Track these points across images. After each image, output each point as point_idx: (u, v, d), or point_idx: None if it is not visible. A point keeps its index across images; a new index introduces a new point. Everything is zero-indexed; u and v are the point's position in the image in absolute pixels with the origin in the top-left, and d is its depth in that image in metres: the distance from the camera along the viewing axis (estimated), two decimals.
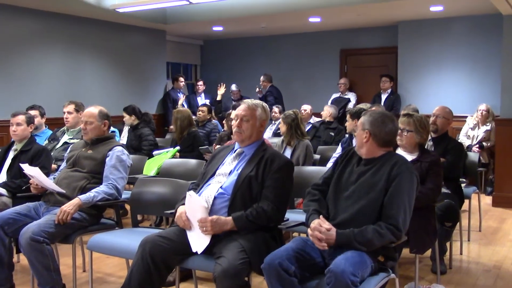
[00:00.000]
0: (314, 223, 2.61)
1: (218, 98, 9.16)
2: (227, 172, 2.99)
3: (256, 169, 2.91)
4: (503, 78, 6.54)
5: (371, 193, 2.64)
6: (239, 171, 2.95)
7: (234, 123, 3.09)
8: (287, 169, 2.96)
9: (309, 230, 2.62)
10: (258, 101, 3.12)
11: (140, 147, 6.24)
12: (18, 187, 4.03)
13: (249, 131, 3.03)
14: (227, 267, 2.55)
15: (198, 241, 2.80)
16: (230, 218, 2.79)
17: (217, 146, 5.55)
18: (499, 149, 6.63)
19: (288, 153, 5.20)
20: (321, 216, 2.67)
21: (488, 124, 7.24)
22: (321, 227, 2.57)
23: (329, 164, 4.95)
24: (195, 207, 2.83)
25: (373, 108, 5.70)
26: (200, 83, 9.72)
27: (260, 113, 3.06)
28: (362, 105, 5.70)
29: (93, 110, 3.78)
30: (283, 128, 5.36)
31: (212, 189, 2.93)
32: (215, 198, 2.89)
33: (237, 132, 3.06)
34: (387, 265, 2.66)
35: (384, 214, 2.59)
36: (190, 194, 2.86)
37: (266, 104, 3.15)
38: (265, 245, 2.78)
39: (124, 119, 6.64)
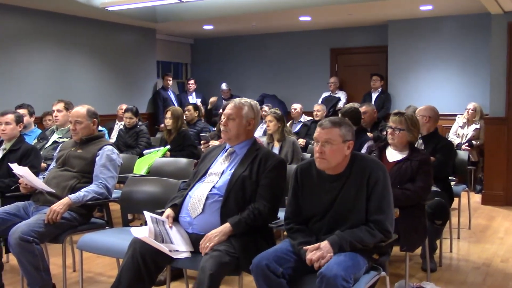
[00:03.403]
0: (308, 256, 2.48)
1: (209, 106, 9.12)
2: (220, 171, 2.98)
3: (249, 168, 2.90)
4: (492, 77, 6.59)
5: (356, 206, 2.59)
6: (232, 171, 2.94)
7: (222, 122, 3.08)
8: (281, 167, 2.95)
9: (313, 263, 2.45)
10: (246, 100, 3.08)
11: (137, 144, 6.23)
12: (7, 186, 3.99)
13: (235, 130, 3.00)
14: (215, 256, 2.57)
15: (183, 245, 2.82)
16: (228, 224, 2.76)
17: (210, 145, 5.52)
18: (488, 148, 6.68)
19: (275, 152, 5.19)
20: (302, 249, 2.54)
21: (477, 122, 7.29)
22: (312, 253, 2.46)
23: None
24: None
25: (363, 108, 5.74)
26: (191, 82, 9.71)
27: (247, 111, 3.02)
28: (354, 104, 5.69)
29: (81, 109, 3.74)
30: (273, 124, 5.28)
31: (204, 188, 2.92)
32: (207, 197, 2.87)
33: (223, 131, 3.04)
34: (379, 262, 2.66)
35: (370, 219, 2.56)
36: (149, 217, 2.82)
37: (255, 102, 3.11)
38: (256, 244, 2.77)
39: (126, 120, 6.46)
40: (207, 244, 2.68)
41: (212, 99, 9.25)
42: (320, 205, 2.65)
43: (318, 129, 2.66)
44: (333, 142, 2.59)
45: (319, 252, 2.45)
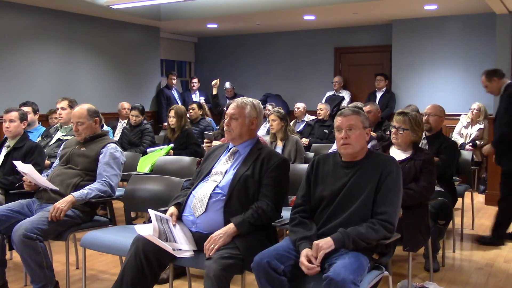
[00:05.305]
0: (303, 255, 2.49)
1: (214, 92, 8.52)
2: (223, 171, 2.98)
3: (252, 167, 2.91)
4: None
5: (363, 193, 2.62)
6: (235, 170, 2.95)
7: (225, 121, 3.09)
8: (284, 167, 2.96)
9: (305, 268, 2.46)
10: (249, 99, 3.09)
11: (141, 142, 6.24)
12: (11, 184, 4.01)
13: (238, 130, 3.01)
14: (219, 260, 2.56)
15: (185, 243, 2.82)
16: (232, 225, 2.75)
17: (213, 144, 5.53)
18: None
19: (278, 151, 5.19)
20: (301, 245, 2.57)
21: (481, 122, 7.27)
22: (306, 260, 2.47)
23: None
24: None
25: (368, 107, 5.73)
26: (195, 80, 9.71)
27: (249, 111, 3.03)
28: (357, 104, 5.69)
29: (81, 109, 3.74)
30: (276, 123, 5.28)
31: (207, 187, 2.93)
32: (210, 196, 2.88)
33: (227, 131, 3.06)
34: (381, 261, 2.66)
35: (377, 211, 2.59)
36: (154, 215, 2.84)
37: (258, 102, 3.12)
38: (259, 243, 2.77)
39: (132, 118, 6.44)
40: (212, 246, 2.68)
41: (214, 81, 8.31)
42: (331, 190, 2.70)
43: (339, 118, 2.78)
44: (356, 128, 2.73)
45: (313, 263, 2.44)
